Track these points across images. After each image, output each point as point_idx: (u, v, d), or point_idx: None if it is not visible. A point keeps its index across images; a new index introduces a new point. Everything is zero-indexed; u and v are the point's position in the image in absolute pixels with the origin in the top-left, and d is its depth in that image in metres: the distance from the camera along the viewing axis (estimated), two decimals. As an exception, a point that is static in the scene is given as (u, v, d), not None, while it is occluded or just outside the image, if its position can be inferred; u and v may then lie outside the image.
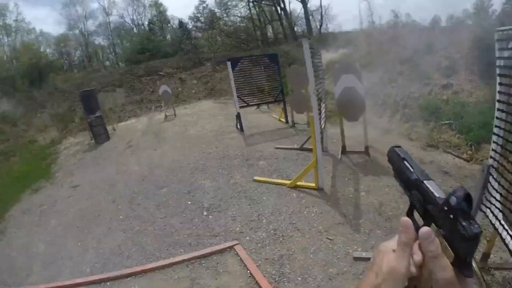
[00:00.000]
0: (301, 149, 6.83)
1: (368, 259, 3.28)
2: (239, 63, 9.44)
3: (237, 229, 4.32)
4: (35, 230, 5.63)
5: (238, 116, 8.90)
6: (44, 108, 16.06)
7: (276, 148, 7.12)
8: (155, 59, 20.11)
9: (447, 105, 7.46)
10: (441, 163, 6.00)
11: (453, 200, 0.48)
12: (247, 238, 4.08)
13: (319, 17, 22.93)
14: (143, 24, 27.23)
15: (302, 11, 22.44)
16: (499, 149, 2.86)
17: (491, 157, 2.97)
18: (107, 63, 27.04)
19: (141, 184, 6.50)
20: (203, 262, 3.70)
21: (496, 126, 2.90)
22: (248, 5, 23.35)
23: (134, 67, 18.83)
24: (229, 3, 24.24)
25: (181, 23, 25.88)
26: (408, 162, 0.60)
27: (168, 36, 26.40)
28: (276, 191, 5.21)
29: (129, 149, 9.33)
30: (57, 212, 6.17)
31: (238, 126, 9.06)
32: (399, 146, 0.65)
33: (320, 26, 22.44)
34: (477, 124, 6.47)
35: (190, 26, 24.89)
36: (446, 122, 7.08)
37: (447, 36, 9.46)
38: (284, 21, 22.14)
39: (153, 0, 27.18)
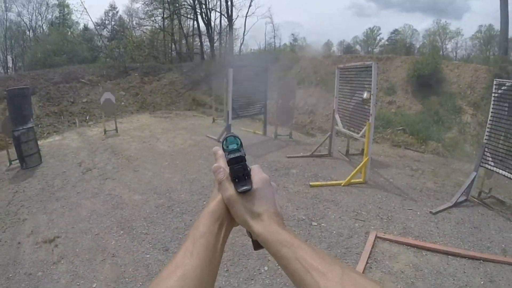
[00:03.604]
0: (312, 156, 7.92)
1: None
2: (240, 72, 9.12)
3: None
4: None
5: (228, 128, 8.81)
6: None
7: (288, 157, 7.89)
8: (72, 64, 17.04)
9: (396, 116, 9.87)
10: (408, 156, 8.32)
11: (222, 142, 0.74)
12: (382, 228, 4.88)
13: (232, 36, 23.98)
14: (41, 26, 22.82)
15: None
16: (489, 135, 5.48)
17: (485, 139, 5.51)
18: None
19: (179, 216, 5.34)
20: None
21: (488, 124, 5.48)
22: (163, 17, 22.38)
23: (49, 71, 15.44)
24: (145, 13, 22.90)
25: (86, 29, 22.93)
26: (225, 141, 0.75)
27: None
28: (339, 191, 6.11)
29: (90, 172, 7.72)
30: None
31: (221, 139, 9.02)
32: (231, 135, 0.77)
33: (241, 44, 24.04)
34: (423, 128, 8.96)
35: (96, 32, 22.33)
36: (400, 128, 9.41)
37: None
38: (203, 36, 22.21)
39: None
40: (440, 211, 5.39)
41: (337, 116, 7.85)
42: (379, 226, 4.91)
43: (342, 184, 6.29)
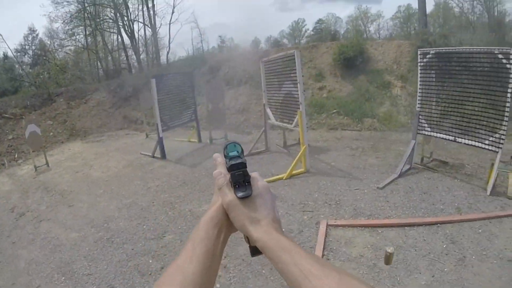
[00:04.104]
0: (250, 154, 7.78)
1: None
2: (164, 81, 8.75)
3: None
4: None
5: (160, 141, 8.28)
6: None
7: (228, 160, 7.62)
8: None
9: (328, 100, 10.00)
10: (346, 136, 8.46)
11: (224, 149, 0.74)
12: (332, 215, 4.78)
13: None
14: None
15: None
16: (421, 103, 5.72)
17: (418, 107, 5.73)
18: None
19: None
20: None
21: (419, 93, 5.73)
22: (85, 34, 21.01)
23: (-34, 108, 13.86)
24: (65, 33, 21.34)
25: (5, 57, 20.94)
26: (226, 148, 0.74)
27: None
28: (281, 185, 5.93)
29: (24, 217, 6.83)
30: None
31: (156, 154, 8.58)
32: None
33: (168, 53, 23.19)
34: (356, 108, 9.17)
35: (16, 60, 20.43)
36: (334, 111, 9.57)
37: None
38: (128, 49, 21.20)
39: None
40: (387, 184, 5.47)
41: (268, 110, 7.75)
42: (329, 213, 4.81)
43: (284, 178, 6.13)
